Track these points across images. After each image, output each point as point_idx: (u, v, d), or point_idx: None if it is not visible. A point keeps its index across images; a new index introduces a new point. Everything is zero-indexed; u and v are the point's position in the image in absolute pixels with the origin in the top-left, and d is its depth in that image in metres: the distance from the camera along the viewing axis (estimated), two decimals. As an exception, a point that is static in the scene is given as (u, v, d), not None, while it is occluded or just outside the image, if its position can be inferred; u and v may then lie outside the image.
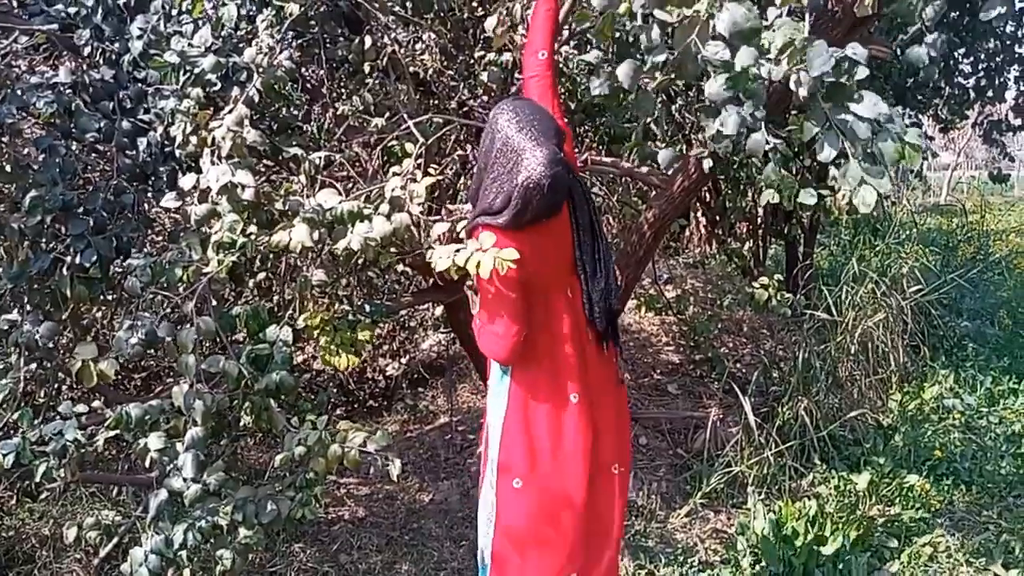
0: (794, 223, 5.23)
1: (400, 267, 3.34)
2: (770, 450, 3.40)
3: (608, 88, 1.93)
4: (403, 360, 4.98)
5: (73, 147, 2.32)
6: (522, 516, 1.88)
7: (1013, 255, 7.40)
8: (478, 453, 3.60)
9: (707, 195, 5.82)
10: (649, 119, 2.82)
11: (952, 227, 7.93)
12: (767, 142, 1.68)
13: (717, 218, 5.81)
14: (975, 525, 3.14)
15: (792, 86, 1.36)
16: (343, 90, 2.92)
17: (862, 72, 1.33)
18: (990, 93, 4.51)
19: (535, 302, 1.87)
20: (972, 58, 4.49)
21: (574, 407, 1.88)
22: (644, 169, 2.77)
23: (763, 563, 2.81)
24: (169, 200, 2.11)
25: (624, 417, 2.08)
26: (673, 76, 1.58)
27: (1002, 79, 4.45)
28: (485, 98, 3.07)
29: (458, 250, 1.99)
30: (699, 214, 6.61)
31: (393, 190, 2.08)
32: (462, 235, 2.03)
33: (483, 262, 1.93)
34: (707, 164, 2.56)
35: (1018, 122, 4.64)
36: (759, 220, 5.84)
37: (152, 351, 2.09)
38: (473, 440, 3.83)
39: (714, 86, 1.39)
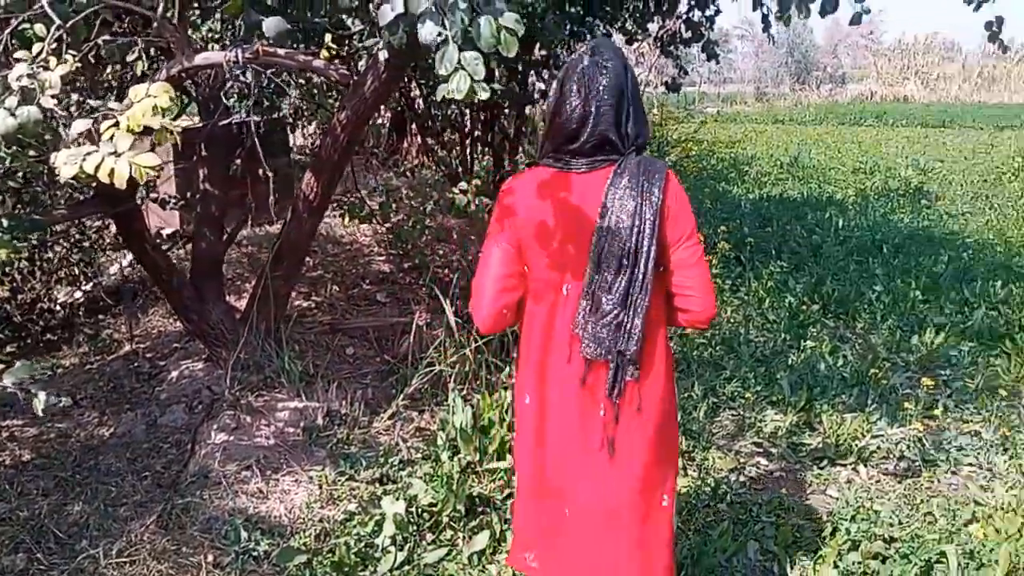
0: (497, 131, 5.36)
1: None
2: (470, 347, 3.51)
3: None
4: (85, 287, 4.48)
5: None
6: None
7: (684, 159, 8.29)
8: (170, 379, 3.34)
9: (418, 103, 5.78)
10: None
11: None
12: (439, 34, 1.60)
13: (427, 126, 5.81)
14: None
15: None
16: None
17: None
18: (666, 7, 4.85)
19: (538, 283, 1.65)
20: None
21: (528, 408, 1.74)
22: (320, 63, 2.61)
23: (461, 453, 2.91)
24: None
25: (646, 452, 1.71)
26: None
27: (675, -6, 4.78)
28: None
29: (88, 153, 1.75)
30: (414, 125, 6.58)
31: (19, 79, 1.77)
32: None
33: (117, 168, 1.70)
34: (383, 56, 2.46)
35: (688, 35, 5.07)
36: (467, 129, 5.92)
37: None
38: (163, 366, 3.54)
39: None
